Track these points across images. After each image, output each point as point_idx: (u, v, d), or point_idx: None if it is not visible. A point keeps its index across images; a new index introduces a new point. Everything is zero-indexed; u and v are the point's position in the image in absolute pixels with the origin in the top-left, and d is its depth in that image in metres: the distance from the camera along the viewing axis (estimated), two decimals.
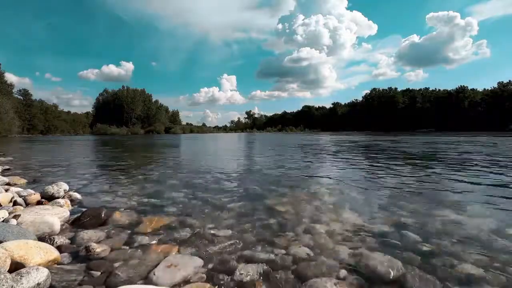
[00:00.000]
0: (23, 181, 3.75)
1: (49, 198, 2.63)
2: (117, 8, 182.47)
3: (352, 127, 79.30)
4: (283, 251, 1.61)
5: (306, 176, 4.38)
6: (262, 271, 1.39)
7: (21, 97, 61.60)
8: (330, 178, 4.14)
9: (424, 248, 1.63)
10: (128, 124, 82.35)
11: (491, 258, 1.50)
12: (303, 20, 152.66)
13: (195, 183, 3.70)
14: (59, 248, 1.60)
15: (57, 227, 1.87)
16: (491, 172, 4.33)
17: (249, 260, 1.50)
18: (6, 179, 3.46)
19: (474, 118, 60.70)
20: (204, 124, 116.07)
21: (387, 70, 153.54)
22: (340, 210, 2.41)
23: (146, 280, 1.30)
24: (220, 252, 1.60)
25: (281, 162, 6.20)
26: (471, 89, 67.85)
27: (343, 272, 1.37)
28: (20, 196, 2.61)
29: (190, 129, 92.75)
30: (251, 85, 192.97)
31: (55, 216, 1.97)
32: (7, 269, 1.20)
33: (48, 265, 1.39)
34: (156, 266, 1.40)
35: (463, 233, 1.86)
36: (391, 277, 1.33)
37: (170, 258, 1.48)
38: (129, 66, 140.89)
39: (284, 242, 1.73)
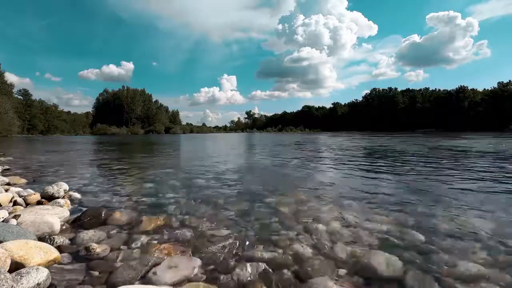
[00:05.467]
0: (23, 181, 3.75)
1: (49, 198, 2.63)
2: (117, 8, 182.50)
3: (352, 127, 79.32)
4: (283, 251, 1.61)
5: (306, 175, 4.38)
6: (262, 271, 1.39)
7: (21, 97, 61.65)
8: (330, 177, 4.14)
9: (425, 248, 1.63)
10: (128, 124, 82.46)
11: (492, 258, 1.50)
12: (303, 20, 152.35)
13: (195, 183, 3.70)
14: (59, 248, 1.60)
15: (57, 227, 1.87)
16: (492, 172, 4.33)
17: (249, 260, 1.50)
18: (6, 179, 3.46)
19: (474, 118, 60.71)
20: (204, 124, 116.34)
21: (387, 70, 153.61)
22: (340, 209, 2.41)
23: (146, 280, 1.31)
24: (220, 252, 1.60)
25: (281, 162, 6.20)
26: (471, 89, 67.87)
27: (343, 272, 1.37)
28: (20, 196, 2.60)
29: (190, 129, 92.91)
30: (251, 85, 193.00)
31: (55, 216, 1.97)
32: (7, 269, 1.20)
33: (48, 265, 1.39)
34: (156, 266, 1.40)
35: (463, 232, 1.86)
36: (391, 277, 1.33)
37: (170, 258, 1.48)
38: (129, 66, 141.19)
39: (284, 242, 1.73)
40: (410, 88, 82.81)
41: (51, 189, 2.71)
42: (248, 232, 1.90)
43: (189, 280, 1.31)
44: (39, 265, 1.32)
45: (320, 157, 7.39)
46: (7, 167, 5.17)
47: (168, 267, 1.39)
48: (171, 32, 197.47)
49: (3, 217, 1.92)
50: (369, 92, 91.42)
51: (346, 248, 1.63)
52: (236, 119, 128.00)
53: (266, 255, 1.55)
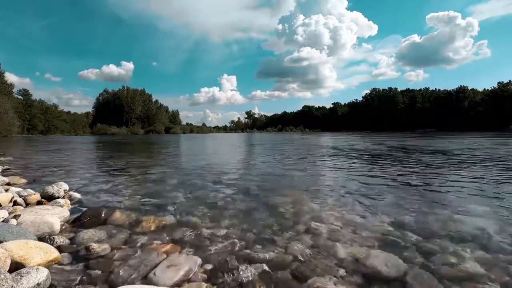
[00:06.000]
0: (23, 181, 3.75)
1: (49, 198, 2.63)
2: (117, 8, 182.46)
3: (352, 127, 79.38)
4: (283, 251, 1.61)
5: (306, 175, 4.37)
6: (262, 271, 1.39)
7: (21, 97, 61.67)
8: (330, 177, 4.14)
9: (425, 247, 1.63)
10: (128, 124, 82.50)
11: (492, 257, 1.50)
12: (303, 20, 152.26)
13: (195, 183, 3.70)
14: (59, 248, 1.60)
15: (57, 227, 1.87)
16: (491, 172, 4.32)
17: (249, 260, 1.50)
18: (6, 179, 3.46)
19: (474, 118, 60.73)
20: (204, 124, 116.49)
21: (387, 70, 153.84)
22: (340, 209, 2.41)
23: (146, 280, 1.30)
24: (220, 252, 1.60)
25: (281, 162, 6.20)
26: (471, 89, 67.91)
27: (343, 272, 1.37)
28: (20, 196, 2.60)
29: (190, 129, 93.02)
30: (251, 85, 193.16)
31: (55, 216, 1.97)
32: (7, 269, 1.20)
33: (48, 265, 1.39)
34: (156, 266, 1.40)
35: (463, 232, 1.86)
36: (391, 276, 1.33)
37: (170, 258, 1.48)
38: (129, 66, 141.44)
39: (284, 242, 1.73)
40: (410, 88, 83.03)
41: (51, 189, 2.71)
42: (248, 232, 1.89)
43: (189, 280, 1.31)
44: (39, 265, 1.32)
45: (319, 157, 7.38)
46: (7, 167, 5.17)
47: (168, 266, 1.39)
48: (171, 32, 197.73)
49: (3, 217, 1.92)
50: (369, 92, 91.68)
51: (346, 248, 1.63)
52: (236, 119, 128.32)
53: (266, 255, 1.55)
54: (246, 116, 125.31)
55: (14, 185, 3.39)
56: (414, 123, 70.03)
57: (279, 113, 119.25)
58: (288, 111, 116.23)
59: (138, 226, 1.99)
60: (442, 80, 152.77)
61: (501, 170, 4.48)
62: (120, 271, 1.36)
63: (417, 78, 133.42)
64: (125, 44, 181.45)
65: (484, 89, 67.00)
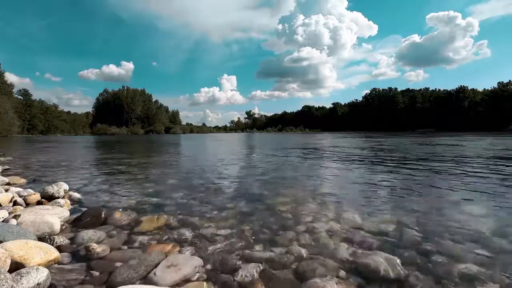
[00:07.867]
0: (23, 181, 3.75)
1: (49, 198, 2.63)
2: (117, 8, 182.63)
3: (352, 127, 79.41)
4: (283, 251, 1.61)
5: (306, 176, 4.37)
6: (262, 271, 1.39)
7: (21, 97, 61.63)
8: (330, 178, 4.14)
9: (424, 248, 1.63)
10: (128, 124, 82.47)
11: (492, 258, 1.50)
12: (303, 20, 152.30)
13: (195, 183, 3.70)
14: (59, 248, 1.60)
15: (57, 227, 1.87)
16: (490, 172, 4.32)
17: (249, 260, 1.50)
18: (6, 179, 3.46)
19: (474, 118, 60.68)
20: (204, 124, 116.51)
21: (387, 70, 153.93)
22: (340, 209, 2.41)
23: (146, 280, 1.31)
24: (220, 252, 1.60)
25: (281, 162, 6.20)
26: (471, 89, 67.81)
27: (343, 272, 1.37)
28: (20, 196, 2.60)
29: (190, 129, 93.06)
30: (251, 85, 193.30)
31: (55, 216, 1.97)
32: (7, 269, 1.20)
33: (48, 265, 1.39)
34: (156, 266, 1.40)
35: (463, 232, 1.86)
36: (391, 277, 1.33)
37: (170, 258, 1.48)
38: (129, 66, 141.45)
39: (284, 242, 1.73)
40: (410, 88, 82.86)
41: (51, 189, 2.70)
42: (248, 232, 1.89)
43: (189, 280, 1.31)
44: (39, 265, 1.32)
45: (319, 158, 7.38)
46: (7, 167, 5.17)
47: (168, 267, 1.39)
48: (171, 32, 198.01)
49: (3, 217, 1.92)
50: (369, 92, 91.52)
51: (346, 248, 1.63)
52: (236, 119, 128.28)
53: (266, 255, 1.55)
54: (246, 116, 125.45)
55: (14, 185, 3.39)
56: (414, 123, 69.94)
57: (279, 113, 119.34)
58: (288, 111, 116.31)
59: (138, 226, 1.99)
60: (442, 80, 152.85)
61: (500, 170, 4.48)
62: (120, 271, 1.36)
63: (417, 78, 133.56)
64: (125, 44, 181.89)
65: (484, 89, 66.97)
